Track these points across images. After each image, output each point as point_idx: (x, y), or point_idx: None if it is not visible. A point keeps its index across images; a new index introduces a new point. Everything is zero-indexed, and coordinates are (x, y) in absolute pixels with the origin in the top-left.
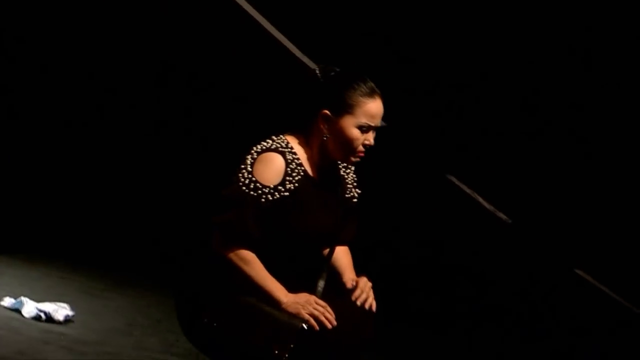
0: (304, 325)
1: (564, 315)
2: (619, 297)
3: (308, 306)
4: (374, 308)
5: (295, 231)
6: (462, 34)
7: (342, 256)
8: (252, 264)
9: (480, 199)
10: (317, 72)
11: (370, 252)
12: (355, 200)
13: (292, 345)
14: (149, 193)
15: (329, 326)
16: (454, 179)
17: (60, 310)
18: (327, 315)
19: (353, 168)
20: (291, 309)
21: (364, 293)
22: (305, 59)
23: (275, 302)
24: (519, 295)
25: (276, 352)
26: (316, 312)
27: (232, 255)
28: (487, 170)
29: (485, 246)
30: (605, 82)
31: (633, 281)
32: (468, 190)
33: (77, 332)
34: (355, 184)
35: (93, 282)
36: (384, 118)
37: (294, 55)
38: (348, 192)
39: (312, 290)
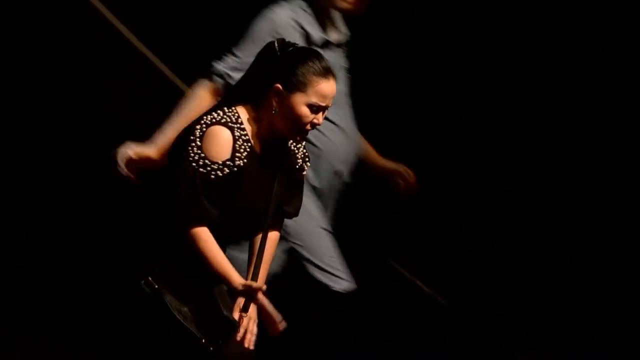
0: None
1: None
2: (429, 289)
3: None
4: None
5: (238, 208)
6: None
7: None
8: (207, 242)
9: None
10: (275, 45)
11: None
12: (304, 173)
13: (221, 342)
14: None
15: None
16: None
17: None
18: (252, 336)
19: (304, 143)
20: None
21: (248, 334)
22: None
23: (227, 283)
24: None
25: (203, 341)
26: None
27: (189, 232)
28: None
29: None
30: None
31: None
32: None
33: None
34: (306, 158)
35: None
36: None
37: None
38: (297, 165)
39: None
